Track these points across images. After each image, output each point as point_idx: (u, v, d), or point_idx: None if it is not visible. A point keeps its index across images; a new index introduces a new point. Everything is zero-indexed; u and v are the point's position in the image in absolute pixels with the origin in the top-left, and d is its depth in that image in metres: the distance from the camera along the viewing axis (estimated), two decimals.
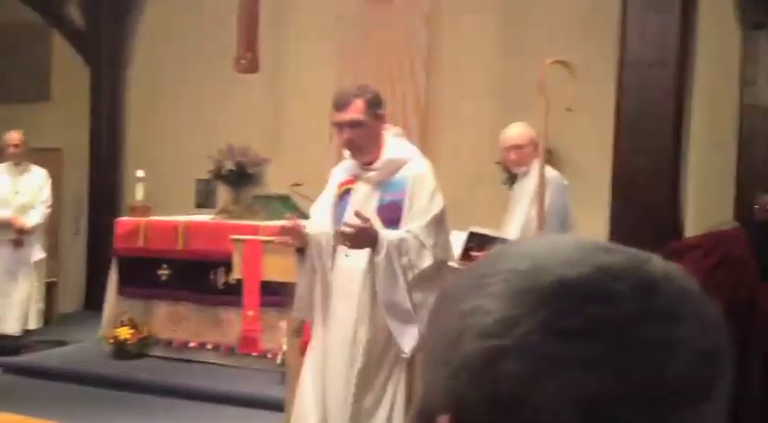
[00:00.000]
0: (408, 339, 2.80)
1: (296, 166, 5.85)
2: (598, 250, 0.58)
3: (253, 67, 5.78)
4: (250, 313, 5.00)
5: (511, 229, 4.28)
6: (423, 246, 2.77)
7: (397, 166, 2.90)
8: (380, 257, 2.74)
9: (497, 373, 0.55)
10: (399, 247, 2.74)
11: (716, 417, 0.56)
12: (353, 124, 2.83)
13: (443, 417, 0.57)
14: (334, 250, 2.91)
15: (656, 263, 0.58)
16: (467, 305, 0.58)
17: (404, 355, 2.82)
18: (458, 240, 4.16)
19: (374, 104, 2.88)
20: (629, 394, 0.53)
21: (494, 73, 6.70)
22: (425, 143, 6.99)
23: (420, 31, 6.96)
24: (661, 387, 0.53)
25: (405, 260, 2.75)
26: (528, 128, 4.44)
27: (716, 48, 5.76)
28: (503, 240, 4.04)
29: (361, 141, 2.86)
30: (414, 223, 2.81)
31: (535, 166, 4.07)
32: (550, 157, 6.48)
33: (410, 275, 2.78)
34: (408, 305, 2.78)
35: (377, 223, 2.77)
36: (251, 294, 4.96)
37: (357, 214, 2.75)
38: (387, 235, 2.77)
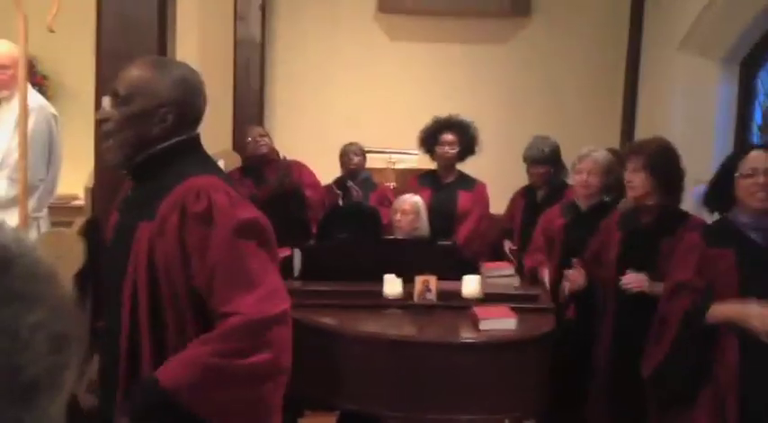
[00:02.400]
0: None
1: None
2: None
3: None
4: None
5: None
6: None
7: None
8: None
9: None
10: None
11: (62, 406, 0.51)
12: None
13: None
14: None
15: (8, 237, 0.50)
16: None
17: None
18: None
19: None
20: None
21: None
22: None
23: None
24: (15, 378, 0.45)
25: None
26: (12, 47, 4.00)
27: None
28: None
29: None
30: None
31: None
32: (45, 82, 6.00)
33: None
34: None
35: None
36: None
37: None
38: None
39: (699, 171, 3.36)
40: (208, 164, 1.92)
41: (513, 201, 4.73)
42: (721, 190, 2.69)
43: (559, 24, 6.46)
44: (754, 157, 2.60)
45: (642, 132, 5.71)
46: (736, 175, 2.61)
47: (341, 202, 4.71)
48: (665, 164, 3.14)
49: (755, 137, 4.89)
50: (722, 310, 2.56)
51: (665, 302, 2.74)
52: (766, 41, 4.92)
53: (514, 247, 4.41)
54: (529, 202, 4.57)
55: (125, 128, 1.81)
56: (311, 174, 4.94)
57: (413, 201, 4.15)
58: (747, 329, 2.49)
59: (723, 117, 5.11)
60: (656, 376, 2.72)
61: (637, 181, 3.13)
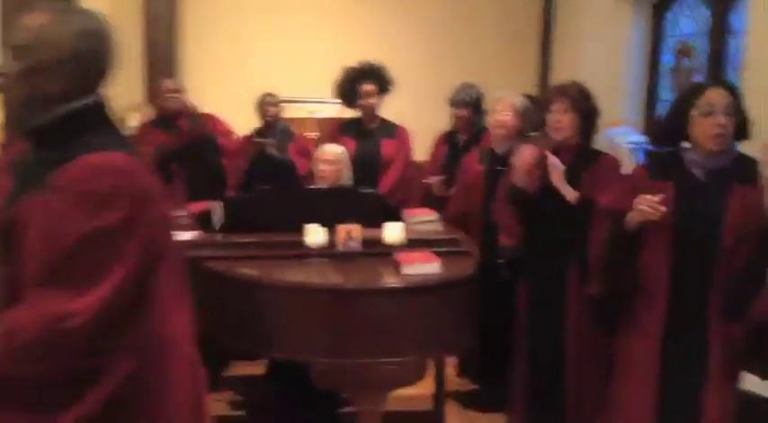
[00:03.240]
0: None
1: None
2: None
3: None
4: None
5: None
6: None
7: None
8: None
9: None
10: None
11: None
12: None
13: None
14: None
15: None
16: None
17: None
18: None
19: None
20: None
21: None
22: None
23: None
24: None
25: None
26: None
27: None
28: None
29: None
30: None
31: None
32: None
33: None
34: None
35: None
36: None
37: None
38: None
39: (612, 111, 3.43)
40: (116, 136, 1.71)
41: (436, 147, 4.76)
42: (674, 126, 2.63)
43: None
44: (712, 95, 2.52)
45: (557, 76, 5.79)
46: (693, 113, 2.53)
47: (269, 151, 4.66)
48: (587, 105, 3.23)
49: (665, 77, 5.03)
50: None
51: (594, 230, 2.79)
52: None
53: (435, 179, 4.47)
54: (451, 147, 4.62)
55: (20, 83, 1.60)
56: (223, 123, 4.86)
57: (336, 150, 4.11)
58: (642, 219, 2.53)
59: (635, 58, 5.23)
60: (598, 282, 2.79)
61: (565, 121, 3.20)
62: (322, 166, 4.03)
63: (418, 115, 5.23)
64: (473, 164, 3.96)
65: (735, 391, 2.63)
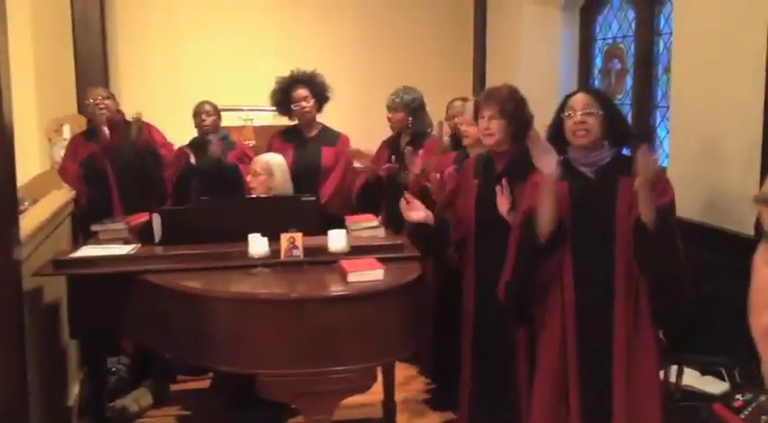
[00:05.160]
0: None
1: None
2: None
3: None
4: None
5: None
6: None
7: None
8: None
9: None
10: None
11: None
12: None
13: None
14: None
15: None
16: None
17: None
18: None
19: None
20: None
21: None
22: None
23: None
24: None
25: None
26: None
27: None
28: None
29: None
30: None
31: None
32: None
33: None
34: None
35: None
36: None
37: None
38: None
39: (548, 115, 3.48)
40: None
41: (379, 151, 4.75)
42: (557, 130, 2.87)
43: None
44: (574, 99, 2.82)
45: (495, 79, 5.87)
46: (562, 115, 2.84)
47: (193, 161, 4.56)
48: (517, 110, 3.22)
49: (596, 80, 5.14)
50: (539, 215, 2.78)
51: (514, 233, 2.97)
52: None
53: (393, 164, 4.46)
54: (392, 151, 4.63)
55: None
56: (160, 133, 4.77)
57: (264, 161, 4.07)
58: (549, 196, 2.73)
59: (566, 62, 5.34)
60: (505, 291, 2.93)
61: (493, 128, 3.20)
62: (250, 178, 4.02)
63: (357, 122, 5.23)
64: (447, 163, 3.90)
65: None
